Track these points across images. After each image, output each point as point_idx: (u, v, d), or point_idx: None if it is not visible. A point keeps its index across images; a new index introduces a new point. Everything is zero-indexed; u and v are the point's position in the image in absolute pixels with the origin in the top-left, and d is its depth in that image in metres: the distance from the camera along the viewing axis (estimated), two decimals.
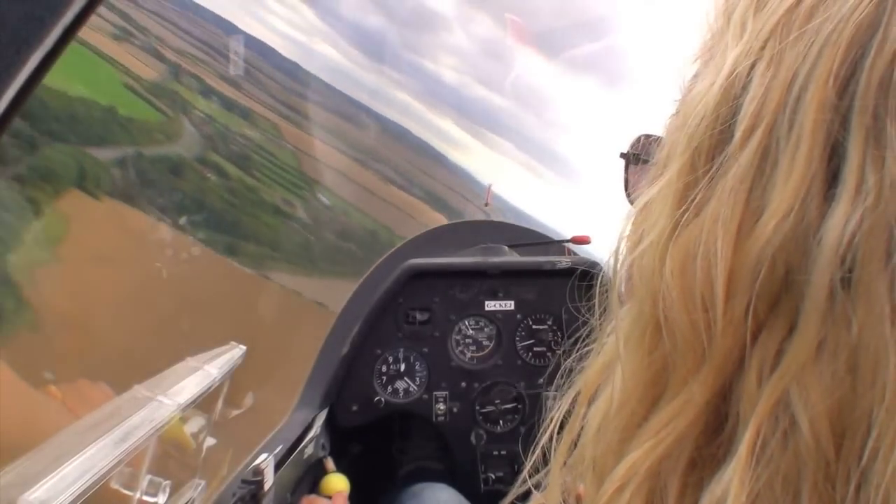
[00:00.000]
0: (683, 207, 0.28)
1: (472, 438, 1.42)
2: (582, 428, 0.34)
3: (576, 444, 0.35)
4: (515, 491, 0.43)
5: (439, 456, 1.50)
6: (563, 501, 0.37)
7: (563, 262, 1.43)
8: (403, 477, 1.48)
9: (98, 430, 0.65)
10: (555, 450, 0.36)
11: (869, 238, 0.23)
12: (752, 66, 0.27)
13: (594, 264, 1.40)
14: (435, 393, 1.42)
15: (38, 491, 0.55)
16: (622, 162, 0.45)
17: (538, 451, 0.39)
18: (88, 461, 0.61)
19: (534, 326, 1.47)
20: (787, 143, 0.25)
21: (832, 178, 0.24)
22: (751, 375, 0.26)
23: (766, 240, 0.25)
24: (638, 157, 0.42)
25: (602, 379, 0.33)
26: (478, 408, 1.43)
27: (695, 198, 0.28)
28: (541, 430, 0.38)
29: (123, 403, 0.74)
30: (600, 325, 0.38)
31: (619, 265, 0.32)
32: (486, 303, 1.46)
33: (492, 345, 1.46)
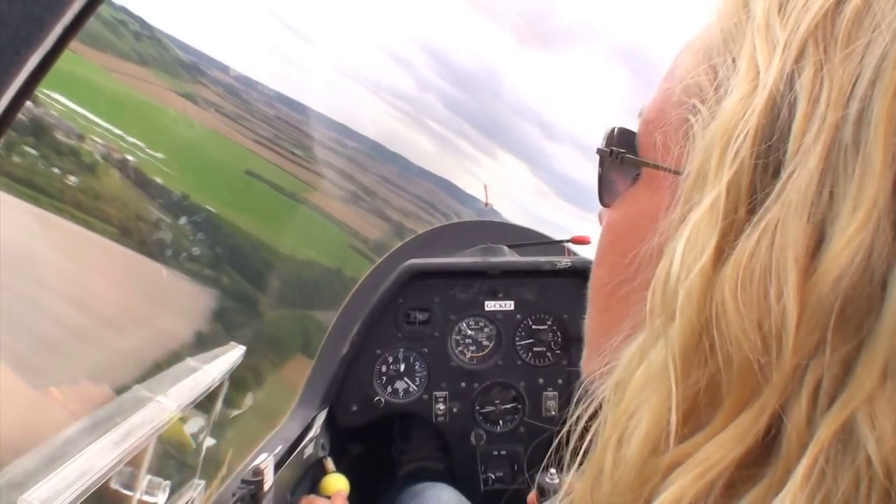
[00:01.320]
0: (732, 229, 0.27)
1: (472, 438, 1.42)
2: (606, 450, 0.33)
3: (585, 450, 0.34)
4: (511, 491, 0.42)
5: (439, 456, 1.50)
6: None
7: (563, 262, 1.43)
8: (403, 477, 1.48)
9: (98, 430, 0.66)
10: (572, 459, 0.35)
11: None
12: (794, 78, 0.26)
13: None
14: (435, 393, 1.42)
15: (39, 491, 0.55)
16: (598, 158, 0.43)
17: (538, 450, 0.37)
18: (89, 461, 0.61)
19: (534, 326, 1.47)
20: (853, 166, 0.24)
21: None
22: (802, 401, 0.25)
23: (838, 273, 0.24)
24: (614, 153, 0.41)
25: (637, 399, 0.32)
26: (478, 408, 1.43)
27: (746, 220, 0.27)
28: (557, 440, 0.37)
29: (123, 404, 0.74)
30: (590, 335, 0.37)
31: (659, 286, 0.31)
32: (486, 303, 1.46)
33: (492, 345, 1.46)
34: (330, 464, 1.28)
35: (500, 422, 1.43)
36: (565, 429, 0.36)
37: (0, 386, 0.69)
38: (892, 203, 0.23)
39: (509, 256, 1.55)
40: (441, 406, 1.42)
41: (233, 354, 0.97)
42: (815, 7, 0.26)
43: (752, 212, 0.27)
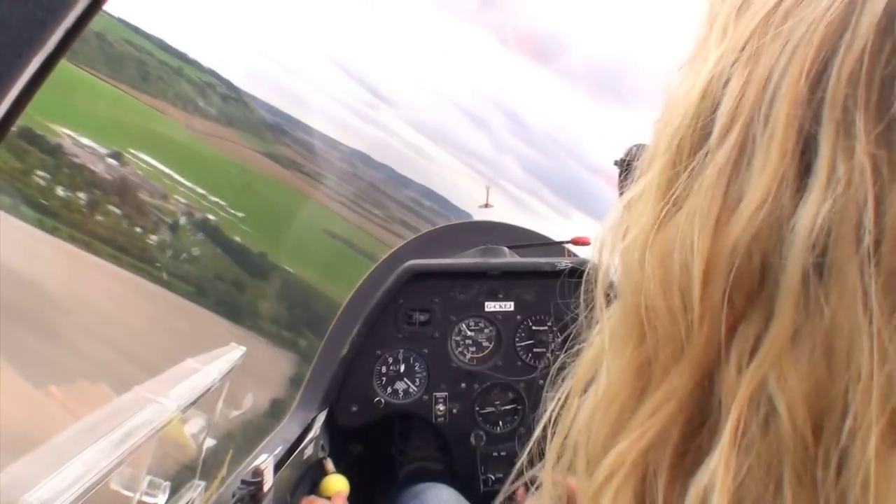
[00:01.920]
0: (665, 202, 0.29)
1: (472, 439, 1.42)
2: (572, 423, 0.35)
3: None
4: (509, 489, 0.44)
5: (439, 456, 1.50)
6: (558, 497, 0.37)
7: (563, 263, 1.43)
8: (403, 477, 1.48)
9: (99, 430, 0.66)
10: (548, 445, 0.37)
11: (840, 224, 0.23)
12: (732, 66, 0.28)
13: (594, 266, 1.40)
14: (435, 394, 1.42)
15: (40, 491, 0.55)
16: (617, 169, 0.47)
17: (532, 446, 0.39)
18: (89, 462, 0.61)
19: (533, 327, 1.47)
20: (762, 138, 0.26)
21: (805, 169, 0.25)
22: (730, 364, 0.27)
23: (741, 229, 0.26)
24: (631, 164, 0.44)
25: (591, 374, 0.34)
26: (477, 409, 1.43)
27: (675, 192, 0.29)
28: (536, 427, 0.38)
29: (124, 404, 0.74)
30: (589, 321, 0.38)
31: (605, 261, 0.34)
32: (486, 304, 1.46)
33: (491, 346, 1.46)
34: (330, 464, 1.28)
35: (500, 422, 1.43)
36: (548, 420, 0.37)
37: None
38: (795, 169, 0.25)
39: (509, 257, 1.55)
40: (441, 407, 1.42)
41: (233, 355, 0.97)
42: (765, 7, 0.28)
43: (680, 186, 0.29)
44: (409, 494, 1.30)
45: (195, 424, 0.90)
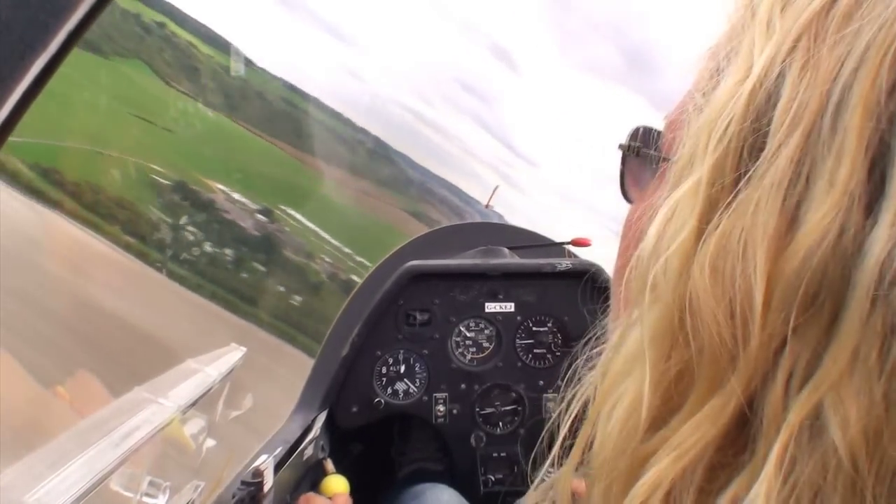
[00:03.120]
0: (713, 210, 0.27)
1: (472, 440, 1.42)
2: (593, 429, 0.33)
3: (589, 446, 0.34)
4: (533, 490, 0.42)
5: (439, 457, 1.50)
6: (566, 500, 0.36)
7: (564, 264, 1.43)
8: (403, 478, 1.48)
9: (99, 431, 0.66)
10: (564, 451, 0.36)
11: None
12: (784, 66, 0.26)
13: (594, 267, 1.41)
14: (435, 394, 1.42)
15: (40, 492, 0.55)
16: (619, 154, 0.44)
17: (554, 450, 0.38)
18: (89, 463, 0.61)
19: (534, 328, 1.47)
20: (830, 149, 0.24)
21: (876, 188, 0.23)
22: (777, 386, 0.25)
23: (808, 251, 0.24)
24: (638, 149, 0.41)
25: (621, 379, 0.32)
26: (478, 409, 1.43)
27: (728, 200, 0.27)
28: (548, 430, 0.37)
29: (124, 405, 0.74)
30: (608, 325, 0.37)
31: (638, 264, 0.31)
32: (487, 304, 1.46)
33: (492, 346, 1.46)
34: (330, 465, 1.28)
35: (501, 424, 1.43)
36: (566, 425, 0.36)
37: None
38: (864, 186, 0.24)
39: (509, 258, 1.55)
40: (441, 408, 1.42)
41: (233, 356, 0.97)
42: (815, 2, 0.26)
43: (732, 194, 0.27)
44: (409, 495, 1.30)
45: (195, 425, 0.90)
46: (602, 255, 1.50)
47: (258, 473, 0.90)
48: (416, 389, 1.43)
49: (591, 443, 0.33)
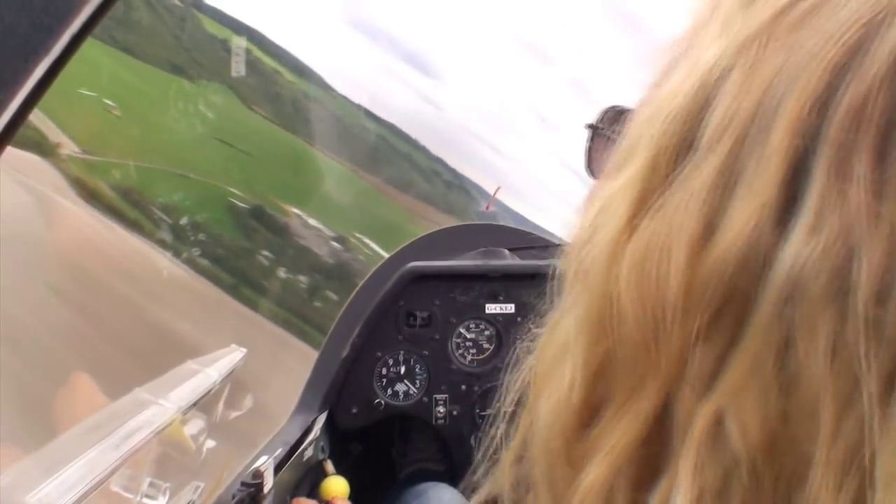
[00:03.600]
0: (643, 207, 0.27)
1: (473, 441, 1.42)
2: (531, 415, 0.34)
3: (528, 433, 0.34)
4: (467, 482, 0.42)
5: (440, 458, 1.50)
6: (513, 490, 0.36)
7: None
8: (404, 478, 1.48)
9: (99, 432, 0.66)
10: (505, 441, 0.35)
11: (819, 274, 0.22)
12: (728, 69, 0.26)
13: None
14: (435, 396, 1.42)
15: (40, 493, 0.55)
16: (587, 132, 0.44)
17: (493, 441, 0.38)
18: (89, 464, 0.61)
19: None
20: (755, 159, 0.24)
21: (791, 201, 0.23)
22: (685, 389, 0.25)
23: (719, 259, 0.24)
24: (603, 130, 0.41)
25: (553, 369, 0.33)
26: (478, 411, 1.43)
27: (655, 200, 0.27)
28: (494, 419, 0.37)
29: (124, 406, 0.74)
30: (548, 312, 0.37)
31: (575, 255, 0.32)
32: (487, 306, 1.46)
33: (492, 348, 1.46)
34: (330, 466, 1.28)
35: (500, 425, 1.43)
36: (504, 414, 0.36)
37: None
38: (780, 199, 0.23)
39: (510, 259, 1.55)
40: (441, 409, 1.42)
41: (234, 357, 0.97)
42: (774, 6, 0.26)
43: (661, 194, 0.27)
44: (411, 495, 1.30)
45: (195, 426, 0.90)
46: None
47: (258, 474, 0.90)
48: (416, 391, 1.43)
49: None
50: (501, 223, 1.78)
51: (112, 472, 0.63)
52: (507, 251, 1.56)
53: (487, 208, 2.08)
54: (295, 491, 1.18)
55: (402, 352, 1.43)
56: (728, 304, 0.24)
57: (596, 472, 0.28)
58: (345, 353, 1.39)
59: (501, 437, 0.37)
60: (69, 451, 0.61)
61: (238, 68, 2.40)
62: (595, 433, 0.29)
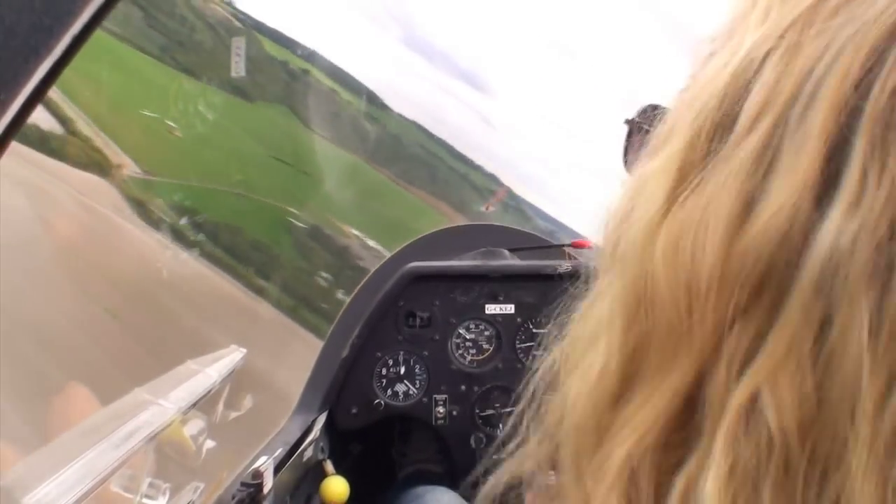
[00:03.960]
0: (680, 186, 0.28)
1: (472, 442, 1.42)
2: (562, 397, 0.34)
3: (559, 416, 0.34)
4: (486, 462, 0.42)
5: (439, 459, 1.50)
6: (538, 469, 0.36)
7: (564, 266, 1.43)
8: (403, 479, 1.48)
9: (99, 433, 0.66)
10: (532, 420, 0.36)
11: (860, 250, 0.22)
12: (768, 53, 0.26)
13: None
14: (435, 396, 1.42)
15: (40, 493, 0.55)
16: (625, 128, 0.45)
17: (520, 420, 0.38)
18: (89, 464, 0.61)
19: (534, 330, 1.47)
20: (795, 138, 0.25)
21: (831, 179, 0.24)
22: (721, 368, 0.26)
23: (761, 233, 0.24)
24: (642, 126, 0.42)
25: (585, 350, 0.33)
26: (477, 411, 1.43)
27: (694, 178, 0.27)
28: (520, 400, 0.37)
29: (124, 406, 0.74)
30: (582, 295, 0.37)
31: (610, 235, 0.32)
32: (487, 306, 1.46)
33: (492, 348, 1.46)
34: (330, 466, 1.28)
35: (501, 425, 1.43)
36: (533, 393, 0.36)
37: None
38: (819, 178, 0.24)
39: (510, 260, 1.55)
40: (441, 409, 1.42)
41: (233, 357, 0.97)
42: None
43: (699, 173, 0.27)
44: (410, 497, 1.30)
45: (195, 426, 0.90)
46: None
47: (258, 475, 0.90)
48: (415, 391, 1.43)
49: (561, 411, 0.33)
50: (501, 223, 1.78)
51: (112, 473, 0.63)
52: (507, 251, 1.56)
53: (487, 208, 2.07)
54: (295, 491, 1.18)
55: (401, 352, 1.43)
56: (766, 281, 0.25)
57: (620, 449, 0.28)
58: (345, 353, 1.38)
59: (528, 420, 0.37)
60: (69, 452, 0.61)
61: (238, 68, 2.40)
62: (625, 411, 0.29)
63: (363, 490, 1.32)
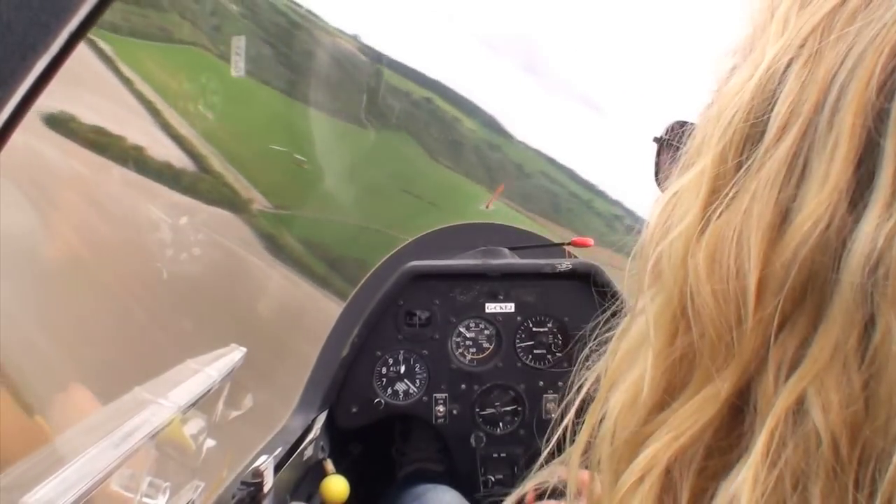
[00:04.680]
0: (715, 199, 0.28)
1: (472, 440, 1.42)
2: (601, 410, 0.34)
3: (596, 428, 0.35)
4: (534, 475, 0.43)
5: (440, 458, 1.50)
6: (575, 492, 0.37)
7: (564, 264, 1.43)
8: (404, 478, 1.48)
9: (99, 432, 0.66)
10: (572, 434, 0.36)
11: None
12: (790, 63, 0.27)
13: (594, 267, 1.41)
14: (435, 395, 1.42)
15: (40, 492, 0.55)
16: (654, 146, 0.46)
17: (557, 434, 0.39)
18: (89, 463, 0.61)
19: (534, 329, 1.47)
20: (825, 145, 0.25)
21: (865, 182, 0.24)
22: (769, 372, 0.26)
23: (800, 241, 0.25)
24: (671, 143, 0.43)
25: (627, 365, 0.33)
26: (477, 410, 1.43)
27: (727, 191, 0.28)
28: (555, 416, 0.38)
29: (124, 406, 0.74)
30: (621, 313, 0.38)
31: (649, 250, 0.32)
32: (487, 305, 1.46)
33: (492, 347, 1.46)
34: (330, 465, 1.28)
35: (500, 424, 1.43)
36: (574, 408, 0.36)
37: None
38: (852, 182, 0.24)
39: (510, 259, 1.55)
40: (441, 408, 1.42)
41: (233, 356, 0.97)
42: (829, 2, 0.27)
43: (732, 185, 0.28)
44: (411, 496, 1.30)
45: (195, 425, 0.90)
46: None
47: (258, 474, 0.90)
48: (416, 390, 1.43)
49: (599, 424, 0.34)
50: (501, 223, 1.78)
51: (112, 472, 0.63)
52: (506, 250, 1.56)
53: (487, 207, 2.07)
54: (295, 490, 1.18)
55: (401, 351, 1.43)
56: (809, 287, 0.25)
57: (657, 449, 0.29)
58: (345, 352, 1.38)
59: (567, 429, 0.38)
60: (69, 451, 0.61)
61: (238, 68, 2.39)
62: (663, 416, 0.29)
63: (363, 489, 1.32)
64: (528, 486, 0.44)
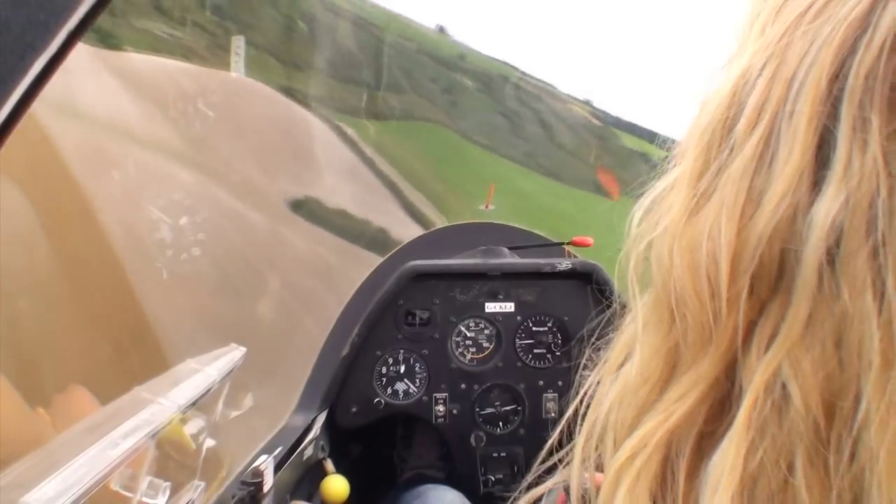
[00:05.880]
0: (694, 194, 0.30)
1: (472, 440, 1.42)
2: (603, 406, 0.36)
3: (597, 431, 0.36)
4: (536, 470, 0.44)
5: (441, 465, 1.50)
6: (584, 490, 0.38)
7: (564, 264, 1.43)
8: (404, 480, 1.48)
9: (98, 431, 0.66)
10: (578, 427, 0.37)
11: (852, 216, 0.24)
12: (764, 63, 0.29)
13: (594, 267, 1.41)
14: (435, 394, 1.42)
15: (39, 492, 0.55)
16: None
17: (562, 429, 0.40)
18: (89, 463, 0.61)
19: (534, 328, 1.47)
20: (786, 134, 0.27)
21: (823, 164, 0.26)
22: (751, 352, 0.28)
23: (764, 222, 0.27)
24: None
25: (622, 358, 0.35)
26: (478, 409, 1.43)
27: (704, 185, 0.30)
28: (566, 411, 0.40)
29: (124, 405, 0.74)
30: (621, 312, 0.39)
31: (638, 251, 0.34)
32: (487, 304, 1.46)
33: (492, 346, 1.46)
34: (330, 465, 1.28)
35: (501, 423, 1.43)
36: (579, 403, 0.38)
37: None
38: (812, 165, 0.26)
39: (510, 258, 1.55)
40: (441, 408, 1.42)
41: (234, 356, 0.97)
42: (802, 3, 0.29)
43: (711, 181, 0.30)
44: (412, 495, 1.30)
45: (195, 425, 0.90)
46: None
47: (258, 473, 0.90)
48: (415, 389, 1.43)
49: (599, 422, 0.36)
50: (501, 222, 1.78)
51: (111, 472, 0.63)
52: (506, 250, 1.56)
53: (486, 208, 2.07)
54: (295, 490, 1.18)
55: (401, 350, 1.43)
56: (781, 268, 0.27)
57: (646, 430, 0.30)
58: (344, 351, 1.38)
59: (567, 428, 0.40)
60: (68, 450, 0.61)
61: (238, 68, 2.39)
62: (662, 404, 0.31)
63: (363, 489, 1.32)
64: (539, 490, 0.45)
